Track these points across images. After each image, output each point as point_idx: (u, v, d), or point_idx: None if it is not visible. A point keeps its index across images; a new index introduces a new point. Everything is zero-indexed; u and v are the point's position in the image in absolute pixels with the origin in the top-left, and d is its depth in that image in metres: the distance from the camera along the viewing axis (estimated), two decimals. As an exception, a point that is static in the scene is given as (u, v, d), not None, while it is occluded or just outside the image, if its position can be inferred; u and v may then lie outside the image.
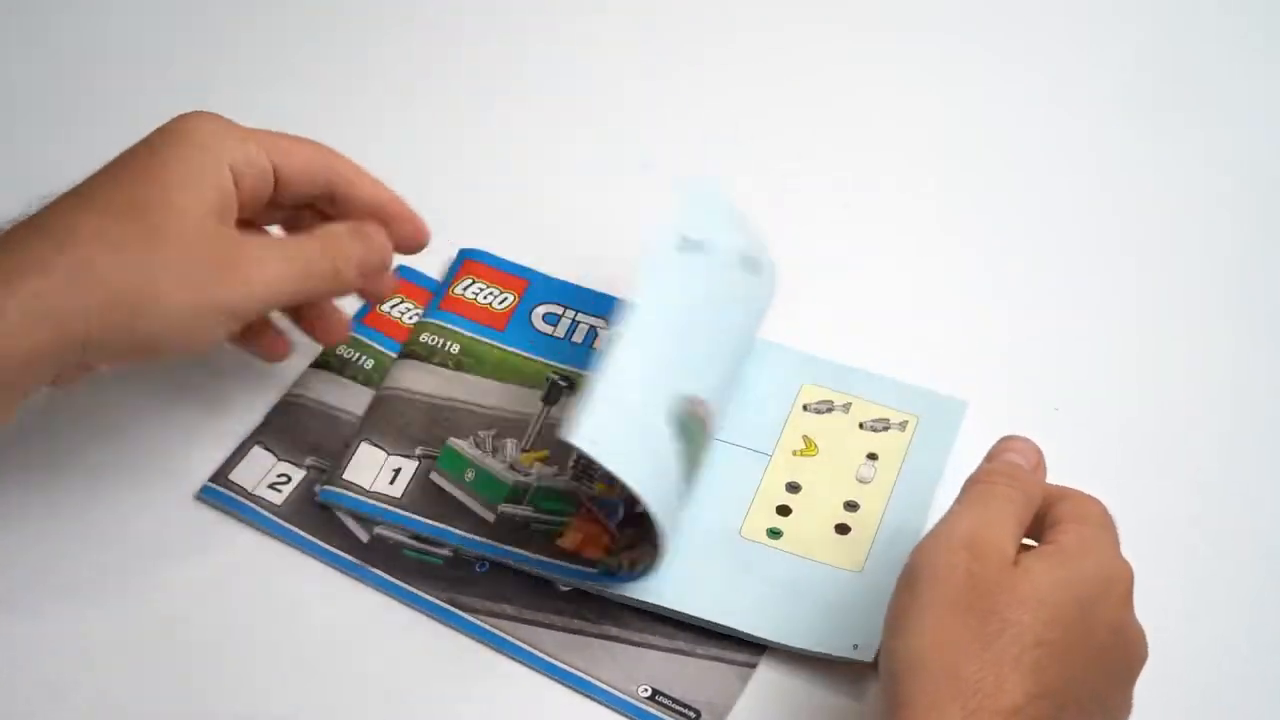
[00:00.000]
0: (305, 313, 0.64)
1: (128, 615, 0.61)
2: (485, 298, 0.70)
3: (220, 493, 0.64)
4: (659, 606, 0.61)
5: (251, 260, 0.56)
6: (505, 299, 0.70)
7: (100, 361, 0.56)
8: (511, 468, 0.65)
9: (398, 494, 0.64)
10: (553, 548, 0.63)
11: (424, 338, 0.69)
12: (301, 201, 0.61)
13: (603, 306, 0.70)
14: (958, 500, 0.54)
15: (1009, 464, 0.56)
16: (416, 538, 0.63)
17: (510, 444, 0.66)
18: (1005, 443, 0.57)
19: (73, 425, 0.65)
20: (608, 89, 0.81)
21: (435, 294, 0.70)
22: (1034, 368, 0.70)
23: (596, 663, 0.60)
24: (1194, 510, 0.66)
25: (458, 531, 0.63)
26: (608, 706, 0.59)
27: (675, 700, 0.59)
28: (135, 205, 0.54)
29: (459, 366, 0.68)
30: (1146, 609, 0.57)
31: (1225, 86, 0.81)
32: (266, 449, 0.65)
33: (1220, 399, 0.69)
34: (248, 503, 0.63)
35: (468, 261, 0.71)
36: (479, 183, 0.76)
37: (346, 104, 0.80)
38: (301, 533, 0.63)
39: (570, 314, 0.70)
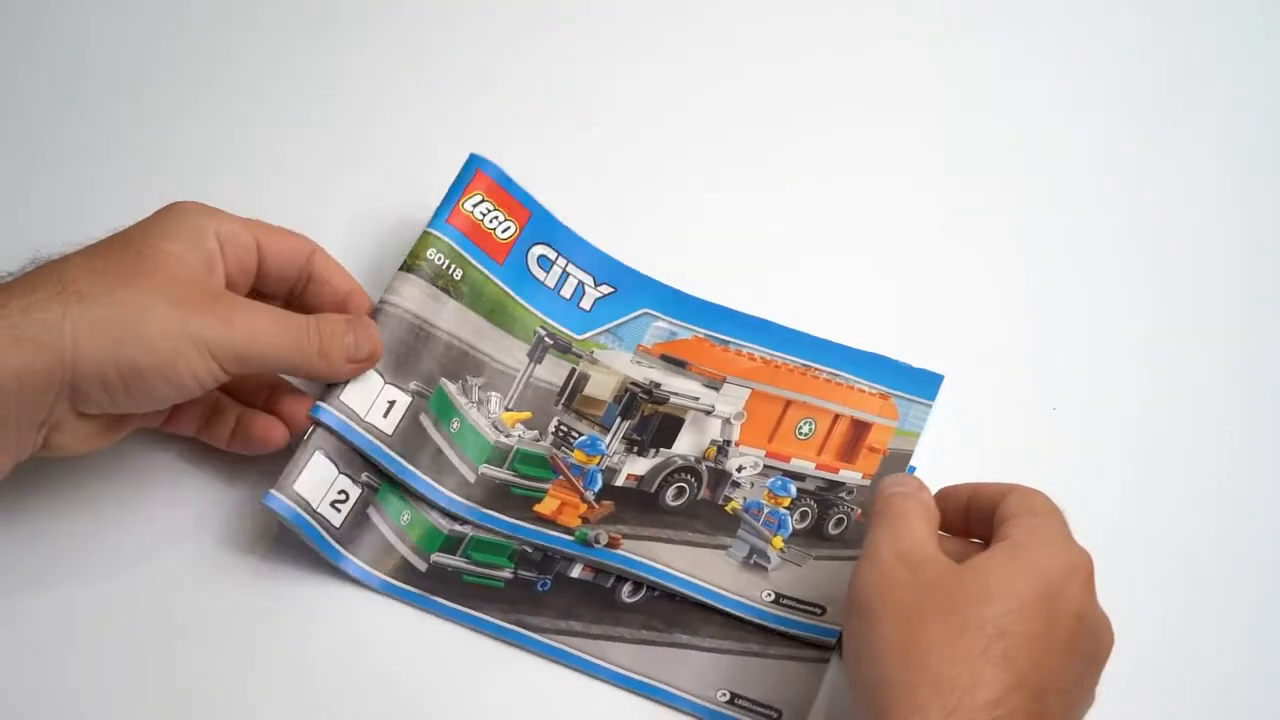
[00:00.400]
0: (261, 401, 0.64)
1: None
2: (490, 221, 0.68)
3: (286, 505, 0.60)
4: (660, 580, 0.62)
5: (237, 307, 0.58)
6: (508, 228, 0.69)
7: (90, 394, 0.56)
8: (494, 426, 0.65)
9: (389, 430, 0.63)
10: (530, 513, 0.64)
11: (430, 254, 0.66)
12: (284, 285, 0.63)
13: (593, 262, 0.70)
14: (867, 530, 0.55)
15: (893, 491, 0.57)
16: (406, 490, 0.63)
17: (495, 398, 0.66)
18: (883, 481, 0.58)
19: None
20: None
21: (444, 201, 0.68)
22: (1032, 368, 0.70)
23: (671, 671, 0.60)
24: (1193, 509, 0.66)
25: (443, 489, 0.64)
26: (689, 714, 0.59)
27: (755, 702, 0.59)
28: (124, 248, 0.57)
29: (459, 297, 0.67)
30: (1146, 608, 0.57)
31: (1228, 85, 0.80)
32: (327, 456, 0.62)
33: (1219, 397, 0.69)
34: (312, 522, 0.61)
35: (479, 172, 0.69)
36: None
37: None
38: (358, 562, 0.62)
39: (562, 262, 0.70)
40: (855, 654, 0.53)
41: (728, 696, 0.59)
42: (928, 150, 0.77)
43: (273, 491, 0.60)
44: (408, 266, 0.66)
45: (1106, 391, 0.69)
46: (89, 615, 0.61)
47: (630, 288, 0.70)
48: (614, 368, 0.68)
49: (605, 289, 0.70)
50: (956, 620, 0.50)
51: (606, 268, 0.70)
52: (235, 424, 0.63)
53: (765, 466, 0.66)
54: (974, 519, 0.57)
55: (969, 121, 0.78)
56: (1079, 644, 0.52)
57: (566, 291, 0.69)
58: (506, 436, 0.65)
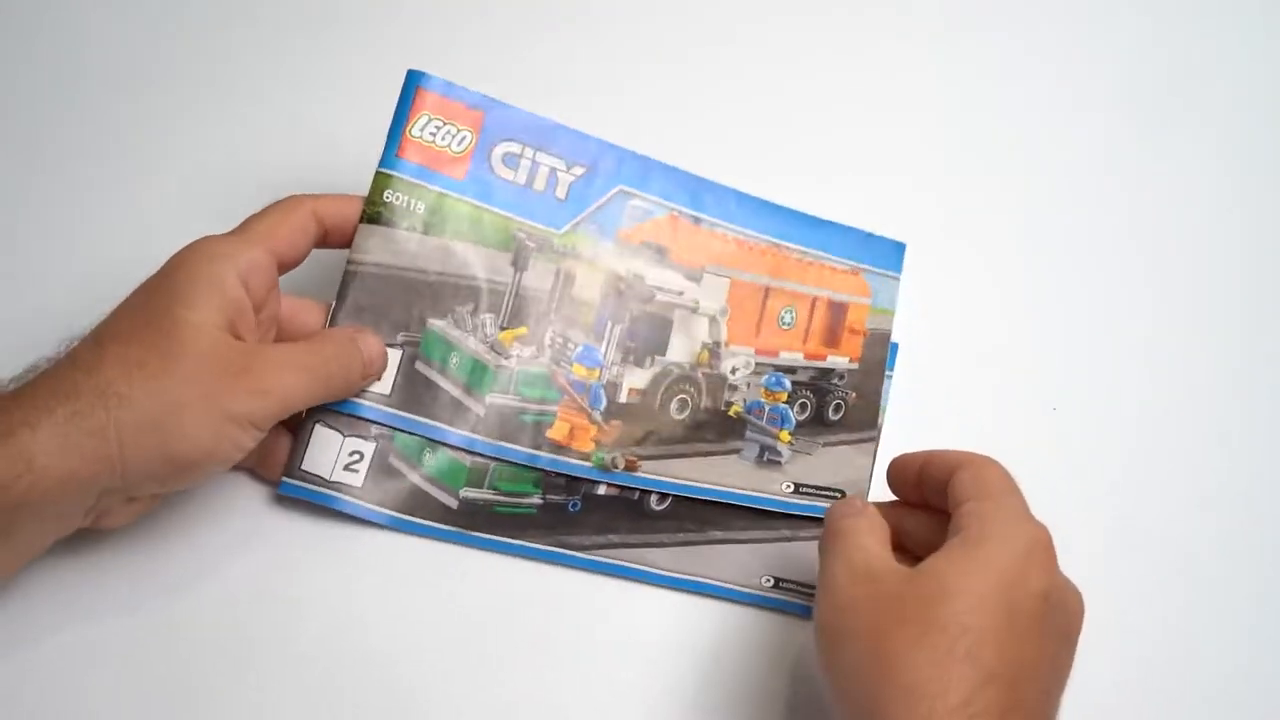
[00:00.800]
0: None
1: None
2: (443, 139, 0.65)
3: (299, 487, 0.62)
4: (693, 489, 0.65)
5: (266, 371, 0.58)
6: (464, 138, 0.66)
7: (141, 486, 0.56)
8: (493, 349, 0.65)
9: (386, 390, 0.63)
10: (545, 439, 0.65)
11: (388, 196, 0.64)
12: (303, 259, 0.63)
13: (560, 143, 0.68)
14: (821, 556, 0.56)
15: (838, 515, 0.57)
16: (423, 439, 0.64)
17: (488, 319, 0.66)
18: (829, 512, 0.58)
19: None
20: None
21: (391, 134, 0.65)
22: (1032, 368, 0.70)
23: (713, 566, 0.63)
24: (1193, 509, 0.66)
25: (455, 430, 0.64)
26: (737, 602, 0.63)
27: (798, 583, 0.63)
28: (152, 327, 0.56)
29: (427, 230, 0.65)
30: (1146, 608, 0.57)
31: (1228, 85, 0.80)
32: (328, 426, 0.63)
33: (1219, 397, 0.69)
34: (330, 492, 0.62)
35: (420, 91, 0.66)
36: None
37: None
38: (390, 512, 0.63)
39: (530, 154, 0.67)
40: (831, 676, 0.53)
41: (772, 581, 0.63)
42: (928, 150, 0.77)
43: (284, 479, 0.62)
44: (368, 217, 0.64)
45: (1106, 391, 0.69)
46: (82, 595, 0.62)
47: (602, 162, 0.68)
48: (597, 262, 0.67)
49: (578, 169, 0.67)
50: (919, 626, 0.50)
51: (575, 144, 0.68)
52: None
53: (756, 364, 0.67)
54: (928, 489, 0.57)
55: (969, 121, 0.78)
56: (1046, 625, 0.52)
57: (539, 184, 0.67)
58: (506, 359, 0.65)
